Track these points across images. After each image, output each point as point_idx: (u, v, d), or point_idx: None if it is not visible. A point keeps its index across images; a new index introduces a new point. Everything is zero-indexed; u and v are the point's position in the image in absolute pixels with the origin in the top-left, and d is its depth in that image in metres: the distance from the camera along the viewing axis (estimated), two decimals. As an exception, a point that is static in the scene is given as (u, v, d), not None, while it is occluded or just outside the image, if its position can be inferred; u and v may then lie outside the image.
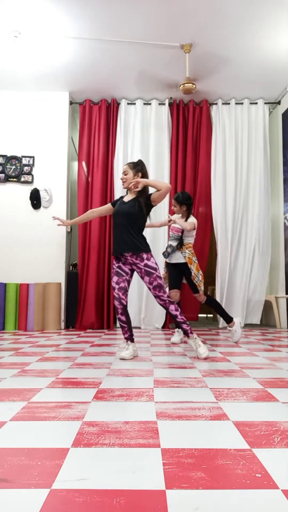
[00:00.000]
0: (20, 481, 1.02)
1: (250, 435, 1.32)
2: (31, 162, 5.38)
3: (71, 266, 5.68)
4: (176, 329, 3.88)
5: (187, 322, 2.93)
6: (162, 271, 4.06)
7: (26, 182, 5.36)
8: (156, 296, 2.87)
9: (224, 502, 0.91)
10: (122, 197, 3.12)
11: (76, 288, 5.39)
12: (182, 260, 3.68)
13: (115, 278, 2.93)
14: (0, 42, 4.38)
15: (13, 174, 5.35)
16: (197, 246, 5.51)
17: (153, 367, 2.54)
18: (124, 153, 5.56)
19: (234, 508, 0.89)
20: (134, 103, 5.66)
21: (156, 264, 2.88)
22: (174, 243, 3.74)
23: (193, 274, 3.64)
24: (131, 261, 2.90)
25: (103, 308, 5.39)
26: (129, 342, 2.97)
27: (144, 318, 5.32)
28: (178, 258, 3.72)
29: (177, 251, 3.71)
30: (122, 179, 3.00)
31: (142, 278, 2.88)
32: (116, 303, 2.91)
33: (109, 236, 5.43)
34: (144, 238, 2.95)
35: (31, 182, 5.38)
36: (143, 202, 2.93)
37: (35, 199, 5.31)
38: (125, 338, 3.00)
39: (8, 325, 4.94)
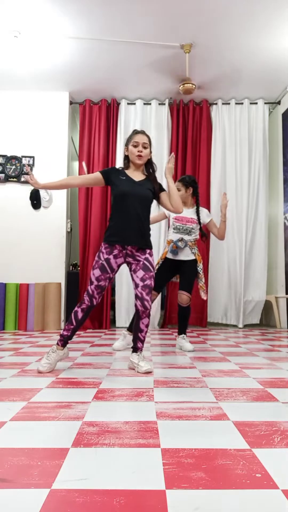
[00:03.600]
0: (20, 481, 1.02)
1: (250, 435, 1.32)
2: (31, 162, 5.38)
3: (71, 266, 5.68)
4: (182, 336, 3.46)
5: (143, 343, 2.55)
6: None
7: (26, 182, 5.35)
8: (142, 299, 2.41)
9: (224, 502, 0.91)
10: (121, 170, 2.55)
11: (76, 288, 5.39)
12: (191, 257, 3.32)
13: (97, 272, 2.41)
14: (0, 42, 4.38)
15: (13, 174, 5.35)
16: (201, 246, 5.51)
17: (153, 367, 2.54)
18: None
19: (234, 508, 0.89)
20: (134, 103, 5.67)
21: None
22: (187, 237, 3.32)
23: (201, 274, 3.36)
24: (129, 252, 2.45)
25: (103, 308, 5.39)
26: (61, 345, 2.46)
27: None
28: (187, 254, 3.32)
29: (188, 247, 3.32)
30: (140, 151, 2.46)
31: (135, 272, 2.45)
32: (86, 298, 2.42)
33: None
34: (150, 230, 2.58)
35: (31, 182, 5.37)
36: (158, 189, 2.53)
37: (35, 199, 5.31)
38: (62, 336, 2.45)
39: (8, 325, 4.94)
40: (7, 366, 2.55)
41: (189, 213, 3.36)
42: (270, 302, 5.53)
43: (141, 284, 2.42)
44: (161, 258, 3.43)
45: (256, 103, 5.67)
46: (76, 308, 2.44)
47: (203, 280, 3.42)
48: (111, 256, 2.42)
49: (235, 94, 5.58)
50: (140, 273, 2.43)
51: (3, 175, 5.35)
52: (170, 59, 4.69)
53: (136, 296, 2.44)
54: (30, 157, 5.40)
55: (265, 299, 5.49)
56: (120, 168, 2.57)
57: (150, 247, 2.51)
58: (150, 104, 5.68)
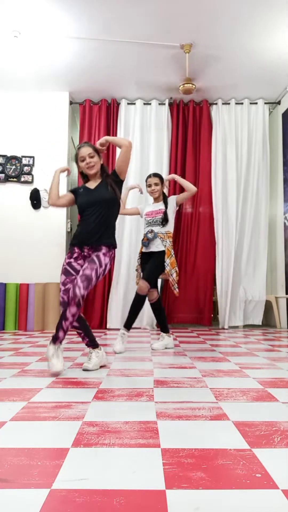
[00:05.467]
0: (20, 481, 1.02)
1: (250, 435, 1.32)
2: (31, 162, 5.38)
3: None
4: (161, 334, 3.46)
5: (66, 333, 2.38)
6: (135, 263, 3.58)
7: (26, 182, 5.36)
8: (75, 284, 2.33)
9: (224, 502, 0.91)
10: (83, 185, 2.68)
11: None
12: (161, 249, 3.29)
13: (61, 278, 2.48)
14: (0, 42, 4.38)
15: (13, 174, 5.35)
16: (205, 247, 5.51)
17: (153, 367, 2.54)
18: (124, 153, 5.56)
19: (234, 508, 0.89)
20: (134, 103, 5.66)
21: (107, 265, 2.49)
22: (157, 228, 3.34)
23: (167, 269, 3.25)
24: (87, 254, 2.52)
25: (103, 308, 5.39)
26: (91, 349, 2.53)
27: (143, 318, 5.31)
28: (157, 245, 3.31)
29: (157, 238, 3.31)
30: (88, 163, 2.55)
31: (82, 266, 2.47)
32: (62, 308, 2.40)
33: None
34: (113, 230, 2.59)
35: (31, 182, 5.38)
36: (112, 180, 2.59)
37: (35, 199, 5.31)
38: (86, 344, 2.56)
39: (8, 325, 4.94)
40: (7, 366, 2.55)
41: (157, 206, 3.47)
42: (270, 302, 5.53)
43: (80, 272, 2.41)
44: (139, 256, 3.48)
45: (256, 103, 5.67)
46: (65, 321, 2.34)
47: (175, 277, 3.32)
48: (72, 260, 2.52)
49: (235, 94, 5.58)
50: (85, 265, 2.44)
51: (3, 175, 5.35)
52: (170, 59, 4.69)
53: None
54: (30, 157, 5.40)
55: (265, 299, 5.50)
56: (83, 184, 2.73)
57: (105, 243, 2.51)
58: (150, 104, 5.68)
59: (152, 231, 3.33)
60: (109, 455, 1.17)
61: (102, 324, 5.35)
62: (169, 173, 5.54)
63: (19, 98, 5.49)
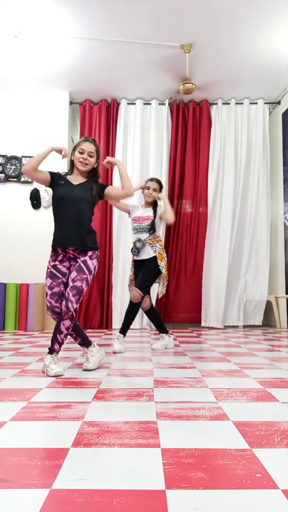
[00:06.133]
0: (20, 481, 1.02)
1: (250, 435, 1.32)
2: (31, 162, 5.37)
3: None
4: (161, 335, 3.45)
5: (62, 345, 2.38)
6: (129, 271, 3.57)
7: (26, 182, 5.36)
8: (67, 299, 2.31)
9: (224, 502, 0.91)
10: (64, 176, 2.56)
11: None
12: (152, 255, 3.27)
13: (48, 281, 2.42)
14: (1, 42, 4.38)
15: (13, 174, 5.35)
16: (210, 247, 5.51)
17: (153, 367, 2.54)
18: (124, 153, 5.57)
19: (234, 508, 0.89)
20: (134, 103, 5.66)
21: (95, 268, 2.46)
22: (144, 236, 3.31)
23: (164, 272, 3.27)
24: (72, 255, 2.45)
25: (103, 308, 5.39)
26: (85, 348, 2.53)
27: (144, 318, 5.32)
28: (148, 253, 3.28)
29: (147, 245, 3.29)
30: (85, 159, 2.48)
31: (70, 272, 2.41)
32: (49, 313, 2.43)
33: (109, 235, 5.43)
34: (94, 233, 2.53)
35: (31, 182, 5.37)
36: (96, 191, 2.50)
37: (35, 199, 5.31)
38: (79, 344, 2.55)
39: (8, 325, 4.94)
40: (7, 366, 2.55)
41: (146, 212, 3.40)
42: (270, 302, 5.53)
43: (71, 284, 2.35)
44: (132, 265, 3.46)
45: (256, 103, 5.67)
46: (59, 334, 2.35)
47: (165, 281, 3.35)
48: (57, 262, 2.44)
49: (235, 94, 5.58)
50: (73, 274, 2.38)
51: (3, 175, 5.35)
52: (170, 59, 4.69)
53: (63, 296, 2.37)
54: (30, 157, 5.39)
55: (266, 299, 5.50)
56: (63, 174, 2.61)
57: (92, 248, 2.47)
58: (150, 104, 5.67)
59: (139, 239, 3.29)
60: (109, 455, 1.17)
61: (102, 324, 5.34)
62: (169, 174, 5.54)
63: (19, 98, 5.48)
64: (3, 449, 1.22)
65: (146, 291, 3.26)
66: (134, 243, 3.32)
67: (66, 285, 2.40)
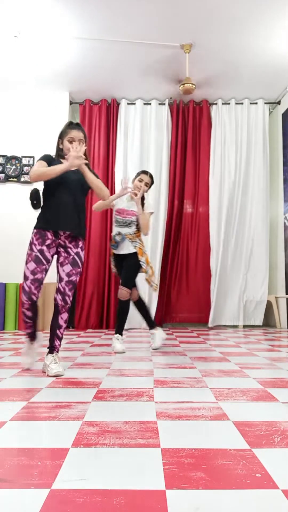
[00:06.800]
0: (20, 481, 1.02)
1: (250, 435, 1.32)
2: (31, 162, 5.38)
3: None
4: (151, 332, 3.40)
5: (61, 340, 2.40)
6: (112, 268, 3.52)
7: (26, 182, 5.36)
8: (64, 293, 2.30)
9: (224, 502, 0.91)
10: (58, 161, 2.43)
11: (75, 288, 5.39)
12: (132, 250, 3.24)
13: (31, 266, 2.27)
14: (1, 42, 4.38)
15: (13, 174, 5.35)
16: (206, 247, 5.51)
17: (153, 367, 2.54)
18: (124, 153, 5.57)
19: (234, 508, 0.89)
20: (134, 103, 5.67)
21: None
22: (125, 230, 3.25)
23: (144, 267, 3.25)
24: (62, 242, 2.35)
25: (103, 307, 5.39)
26: (31, 340, 2.47)
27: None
28: (127, 248, 3.25)
29: (126, 240, 3.25)
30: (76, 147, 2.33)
31: (62, 265, 2.33)
32: (24, 298, 2.30)
33: (109, 235, 5.42)
34: (85, 218, 2.45)
35: (31, 182, 5.36)
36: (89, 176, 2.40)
37: (35, 199, 5.25)
38: (27, 334, 2.47)
39: (8, 325, 4.94)
40: (7, 366, 2.55)
41: (130, 205, 3.31)
42: (270, 302, 5.53)
43: (66, 279, 2.32)
44: (112, 259, 3.41)
45: (256, 103, 5.67)
46: (22, 310, 2.36)
47: (150, 272, 3.33)
48: (44, 247, 2.31)
49: (235, 94, 5.59)
50: (67, 267, 2.33)
51: (3, 175, 5.35)
52: (170, 59, 4.69)
53: (58, 290, 2.33)
54: (30, 157, 5.40)
55: (266, 299, 5.50)
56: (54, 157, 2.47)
57: (84, 236, 2.42)
58: (150, 104, 5.68)
59: (119, 233, 3.25)
60: (109, 455, 1.17)
61: (102, 324, 5.34)
62: (170, 173, 5.54)
63: (19, 98, 5.49)
64: (3, 449, 1.21)
65: (131, 285, 3.25)
66: (114, 237, 3.28)
67: (60, 279, 2.33)
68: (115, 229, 3.32)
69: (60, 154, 2.46)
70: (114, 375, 2.28)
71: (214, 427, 1.41)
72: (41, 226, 2.34)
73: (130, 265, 3.26)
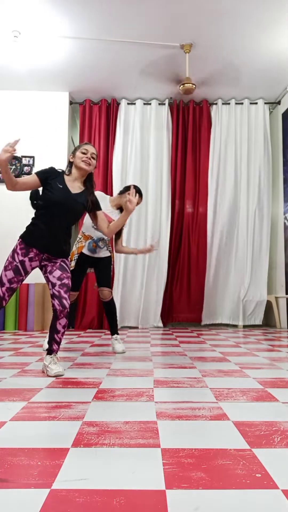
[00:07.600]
0: (20, 481, 1.02)
1: (250, 435, 1.32)
2: (31, 162, 5.38)
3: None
4: (114, 336, 3.30)
5: (60, 344, 2.38)
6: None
7: (26, 182, 5.35)
8: (60, 297, 2.30)
9: (224, 502, 0.91)
10: (61, 175, 2.49)
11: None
12: (107, 254, 3.29)
13: (9, 274, 2.28)
14: (0, 42, 4.38)
15: (13, 174, 5.34)
16: (206, 247, 5.52)
17: (153, 367, 2.54)
18: (124, 153, 5.57)
19: (234, 508, 0.89)
20: (134, 103, 5.67)
21: None
22: (101, 234, 3.17)
23: (112, 267, 3.38)
24: (46, 257, 2.39)
25: (103, 308, 5.39)
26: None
27: (142, 317, 5.31)
28: (104, 252, 3.28)
29: (105, 246, 3.28)
30: (88, 158, 2.45)
31: (51, 272, 2.35)
32: None
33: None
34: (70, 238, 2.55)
35: (31, 182, 5.37)
36: (90, 207, 2.49)
37: (35, 199, 5.29)
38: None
39: (8, 325, 4.94)
40: (7, 366, 2.55)
41: (113, 214, 3.26)
42: (270, 302, 5.53)
43: (58, 283, 2.33)
44: (76, 253, 3.26)
45: (256, 103, 5.67)
46: (57, 334, 2.34)
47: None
48: (26, 259, 2.33)
49: (235, 94, 5.59)
50: (57, 272, 2.35)
51: (3, 175, 5.35)
52: (170, 59, 4.69)
53: (53, 296, 2.32)
54: (30, 157, 5.40)
55: (266, 299, 5.50)
56: (61, 171, 2.52)
57: (68, 256, 2.48)
58: (150, 104, 5.68)
59: (103, 239, 3.22)
60: (109, 455, 1.17)
61: (102, 324, 5.34)
62: (171, 174, 5.54)
63: (19, 98, 5.49)
64: (3, 449, 1.21)
65: (110, 285, 3.33)
66: (97, 242, 3.22)
67: (52, 285, 2.33)
68: (96, 233, 3.21)
69: (68, 169, 2.55)
70: (114, 375, 2.28)
71: (214, 427, 1.41)
72: (28, 242, 2.37)
73: (106, 266, 3.32)
